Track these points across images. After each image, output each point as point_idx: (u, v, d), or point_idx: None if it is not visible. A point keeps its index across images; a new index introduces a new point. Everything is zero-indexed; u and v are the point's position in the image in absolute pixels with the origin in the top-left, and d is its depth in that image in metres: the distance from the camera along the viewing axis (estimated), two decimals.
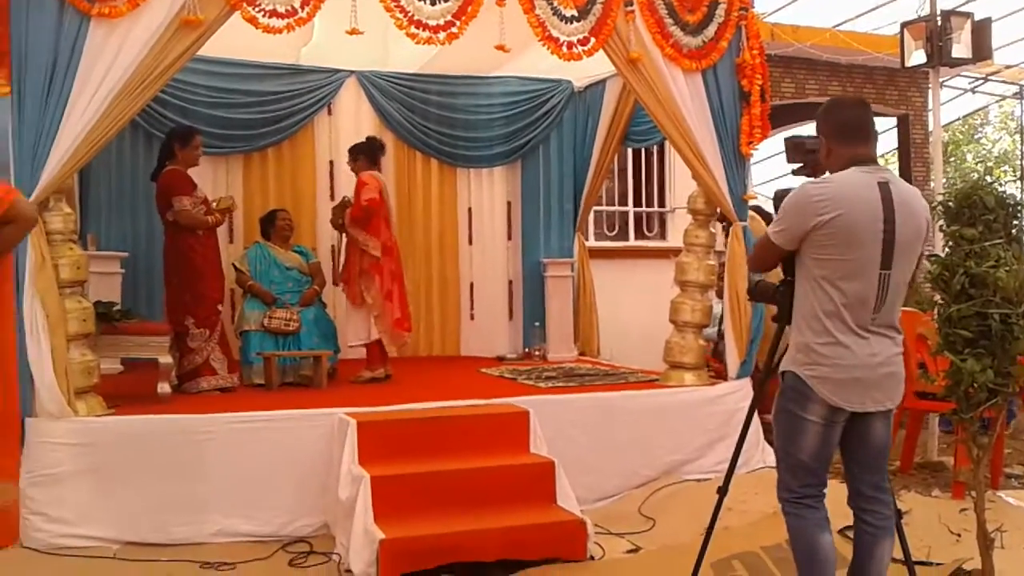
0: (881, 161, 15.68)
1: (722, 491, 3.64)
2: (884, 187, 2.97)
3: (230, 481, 4.55)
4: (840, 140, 3.07)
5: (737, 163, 5.52)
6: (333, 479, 4.50)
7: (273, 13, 4.63)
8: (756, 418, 5.48)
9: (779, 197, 3.29)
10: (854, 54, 9.91)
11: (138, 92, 4.46)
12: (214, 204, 5.71)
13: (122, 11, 4.37)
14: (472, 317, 7.66)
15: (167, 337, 5.23)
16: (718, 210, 5.64)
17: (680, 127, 5.38)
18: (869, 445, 3.11)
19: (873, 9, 9.77)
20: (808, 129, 4.55)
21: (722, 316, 5.75)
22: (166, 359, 5.12)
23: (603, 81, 7.24)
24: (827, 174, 3.12)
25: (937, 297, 3.63)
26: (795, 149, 3.37)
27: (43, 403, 4.37)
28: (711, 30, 5.43)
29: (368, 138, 6.33)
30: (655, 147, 8.65)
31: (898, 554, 3.35)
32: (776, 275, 3.33)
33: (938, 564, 3.89)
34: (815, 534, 3.09)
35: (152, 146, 6.57)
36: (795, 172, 3.48)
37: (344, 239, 6.19)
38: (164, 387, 5.06)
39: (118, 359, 6.12)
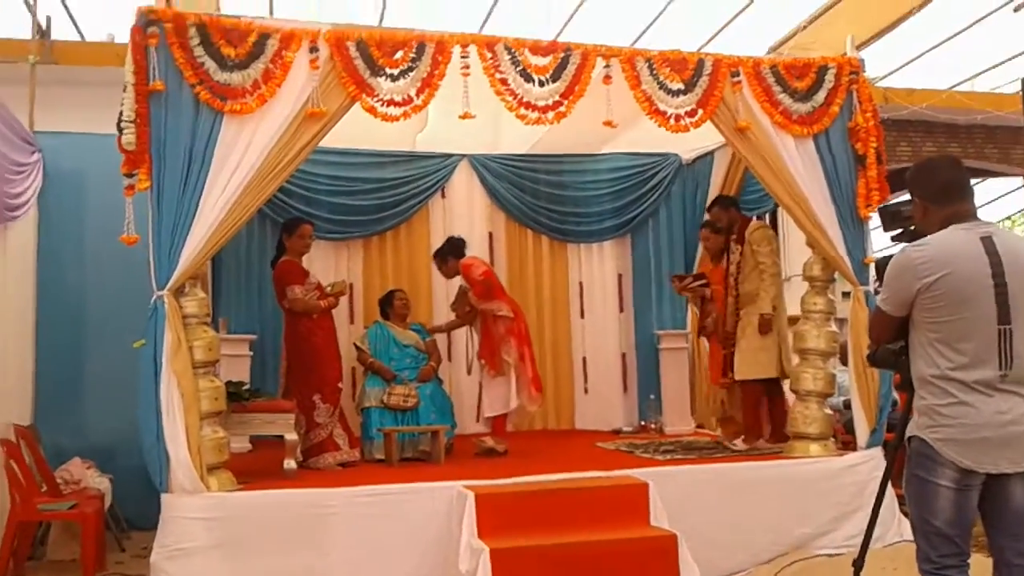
0: (1007, 223, 14.92)
1: (857, 565, 3.48)
2: (987, 240, 2.89)
3: (353, 554, 4.61)
4: (935, 200, 3.02)
5: (855, 226, 5.41)
6: (453, 552, 4.51)
7: (390, 102, 4.86)
8: (891, 490, 5.27)
9: (880, 267, 3.23)
10: (973, 114, 9.61)
11: (266, 182, 4.73)
12: (328, 288, 5.95)
13: (252, 107, 4.68)
14: (586, 391, 7.63)
15: (293, 415, 5.41)
16: (835, 275, 5.52)
17: (793, 192, 5.32)
18: (1009, 510, 2.91)
19: (992, 67, 9.50)
20: None
21: (848, 387, 5.63)
22: (292, 436, 5.28)
23: (711, 152, 7.25)
24: (926, 237, 3.04)
25: None
26: (892, 218, 3.33)
27: (177, 479, 4.56)
28: (821, 96, 5.40)
29: (448, 239, 6.53)
30: (767, 215, 8.53)
31: None
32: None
33: None
34: None
35: (277, 234, 6.93)
36: (894, 239, 3.42)
37: (475, 325, 6.32)
38: (290, 463, 5.21)
39: (247, 437, 6.40)
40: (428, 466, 5.70)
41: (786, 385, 5.90)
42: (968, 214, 2.99)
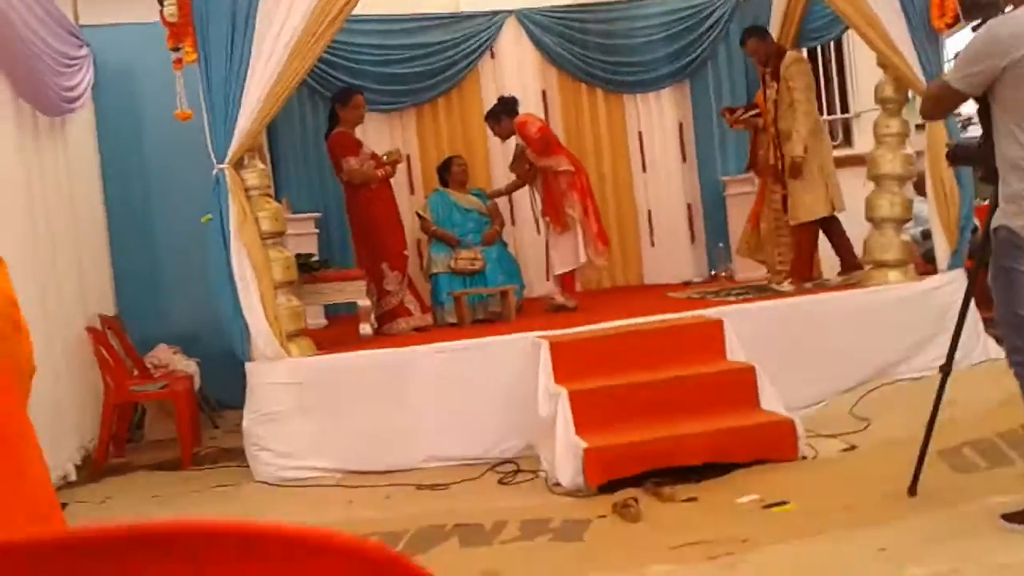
0: None
1: (945, 369, 3.40)
2: None
3: (435, 409, 4.72)
4: None
5: (928, 41, 5.08)
6: (532, 400, 4.56)
7: None
8: (975, 311, 5.12)
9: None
10: None
11: (312, 43, 4.64)
12: (383, 158, 5.89)
13: None
14: (653, 244, 7.54)
15: (363, 282, 5.46)
16: (909, 96, 5.24)
17: (861, 8, 5.01)
18: None
19: None
20: None
21: (927, 217, 5.41)
22: (364, 301, 5.35)
23: None
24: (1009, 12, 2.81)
25: None
26: (972, 7, 3.09)
27: (259, 348, 4.69)
28: None
29: (500, 98, 6.33)
30: (832, 50, 8.14)
31: None
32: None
33: None
34: None
35: (328, 109, 6.87)
36: (975, 30, 3.18)
37: (536, 184, 6.22)
38: (365, 328, 5.29)
39: (322, 312, 6.53)
40: (500, 324, 5.74)
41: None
42: None
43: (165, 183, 6.50)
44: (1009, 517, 2.94)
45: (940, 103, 3.04)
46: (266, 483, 4.63)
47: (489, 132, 6.97)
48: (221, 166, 4.62)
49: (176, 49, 4.60)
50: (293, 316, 4.84)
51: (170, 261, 6.55)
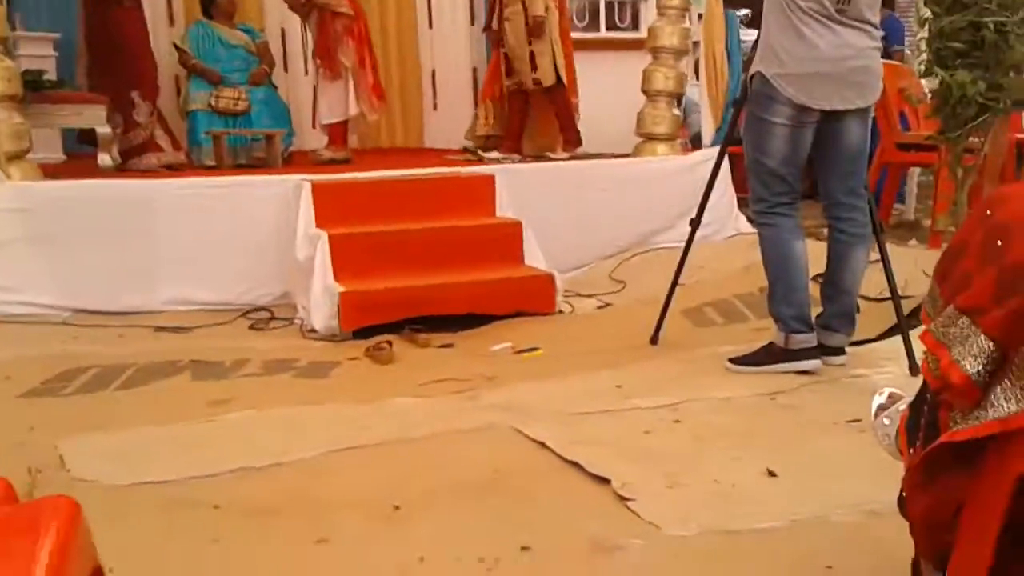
0: None
1: (694, 223, 3.50)
2: None
3: (181, 250, 4.33)
4: None
5: None
6: (291, 248, 4.30)
7: None
8: (731, 188, 5.36)
9: None
10: None
11: None
12: None
13: None
14: (435, 107, 7.29)
15: (103, 106, 4.86)
16: None
17: None
18: (842, 147, 2.96)
19: None
20: None
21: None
22: (104, 128, 4.78)
23: None
24: None
25: (927, 12, 3.38)
26: None
27: None
28: None
29: None
30: None
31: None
32: None
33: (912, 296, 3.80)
34: (788, 240, 3.00)
35: None
36: None
37: (310, 22, 5.73)
38: (104, 159, 4.75)
39: (60, 147, 5.84)
40: (264, 171, 5.36)
41: None
42: None
43: None
44: (734, 359, 3.10)
45: None
46: None
47: None
48: None
49: None
50: (15, 135, 4.25)
51: None
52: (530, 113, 5.77)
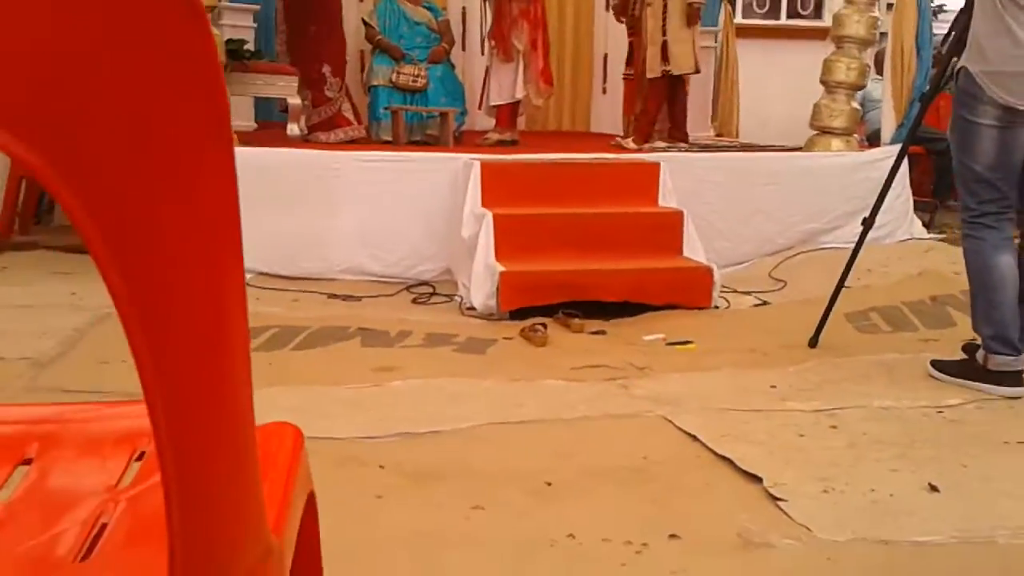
0: None
1: (867, 223, 3.39)
2: None
3: (356, 221, 4.57)
4: None
5: None
6: (458, 225, 4.45)
7: None
8: (908, 190, 5.13)
9: None
10: None
11: None
12: None
13: None
14: (604, 91, 7.29)
15: (296, 78, 5.17)
16: None
17: None
18: None
19: None
20: None
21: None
22: (295, 99, 5.09)
23: None
24: None
25: None
26: None
27: None
28: None
29: None
30: None
31: None
32: None
33: None
34: (991, 255, 2.83)
35: None
36: None
37: (489, 1, 5.88)
38: (293, 129, 5.06)
39: (252, 117, 6.23)
40: (436, 148, 5.56)
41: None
42: None
43: None
44: (936, 362, 3.00)
45: None
46: None
47: None
48: None
49: None
50: None
51: None
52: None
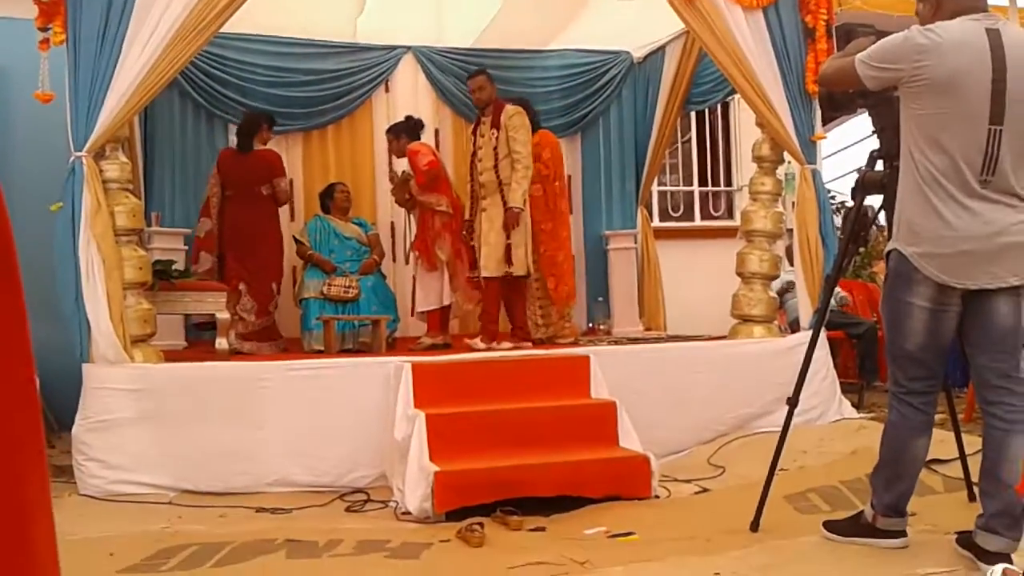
0: None
1: (791, 402, 3.43)
2: (993, 34, 2.67)
3: (288, 431, 4.48)
4: None
5: (803, 103, 5.28)
6: (391, 429, 4.38)
7: None
8: (834, 372, 5.25)
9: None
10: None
11: (191, 38, 4.47)
12: None
13: None
14: None
15: (223, 293, 5.22)
16: (784, 155, 5.44)
17: (742, 67, 5.18)
18: (992, 327, 2.75)
19: None
20: None
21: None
22: (224, 314, 5.10)
23: (662, 48, 7.10)
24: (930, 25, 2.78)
25: None
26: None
27: (100, 349, 4.38)
28: None
29: (407, 117, 6.22)
30: (720, 122, 8.45)
31: None
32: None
33: None
34: (909, 436, 2.89)
35: (214, 127, 6.71)
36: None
37: (413, 214, 6.14)
38: (222, 343, 5.03)
39: (182, 335, 6.20)
40: (368, 354, 5.56)
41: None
42: (978, 8, 2.75)
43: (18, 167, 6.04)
44: (827, 523, 3.15)
45: (840, 76, 2.95)
46: (92, 496, 4.28)
47: (377, 162, 6.88)
48: (79, 154, 4.36)
49: (44, 29, 4.38)
50: (141, 320, 4.56)
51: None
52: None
